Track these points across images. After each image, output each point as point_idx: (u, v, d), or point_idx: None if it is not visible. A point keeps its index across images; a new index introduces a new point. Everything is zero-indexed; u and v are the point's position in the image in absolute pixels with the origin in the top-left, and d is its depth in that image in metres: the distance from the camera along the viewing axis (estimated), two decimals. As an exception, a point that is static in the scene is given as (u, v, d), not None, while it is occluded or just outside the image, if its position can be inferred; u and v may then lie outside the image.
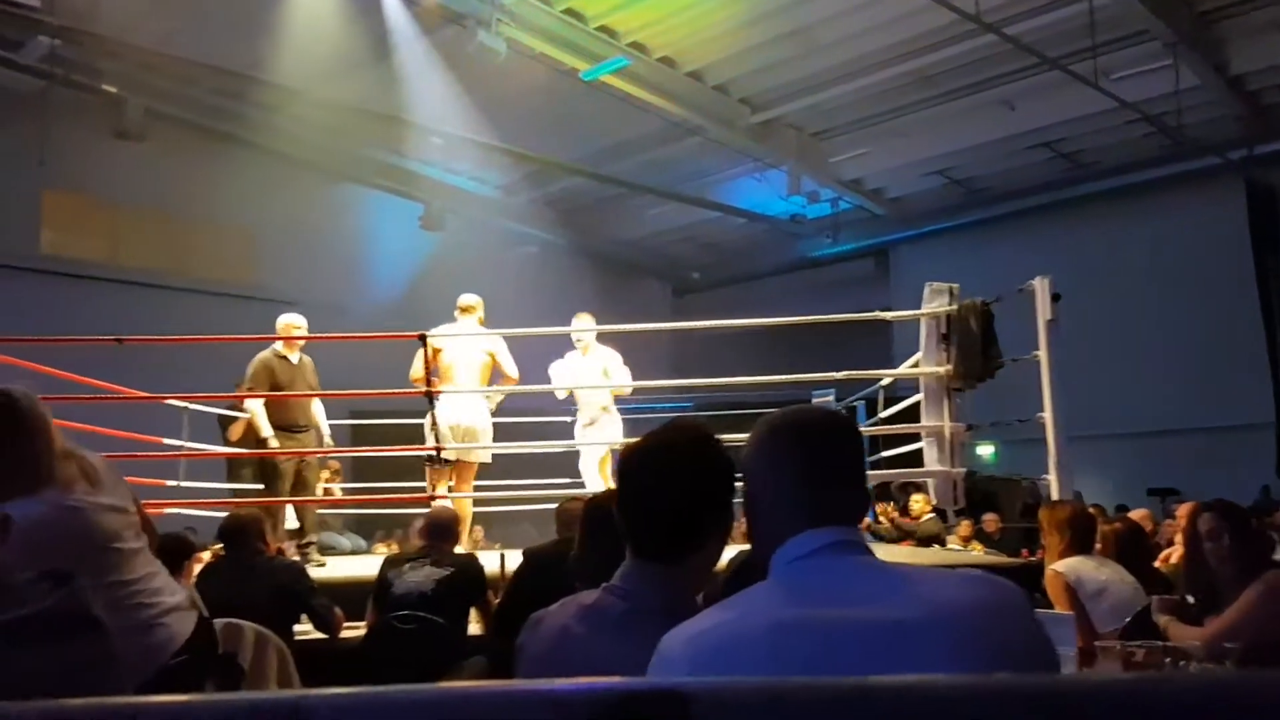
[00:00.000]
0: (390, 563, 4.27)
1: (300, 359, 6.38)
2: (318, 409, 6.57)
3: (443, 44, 10.78)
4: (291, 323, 6.41)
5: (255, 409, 6.18)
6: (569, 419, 7.24)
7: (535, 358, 6.80)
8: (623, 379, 6.64)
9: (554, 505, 4.79)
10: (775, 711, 0.40)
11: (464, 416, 6.19)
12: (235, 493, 7.73)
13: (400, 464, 7.48)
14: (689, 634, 1.11)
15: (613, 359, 6.64)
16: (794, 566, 1.13)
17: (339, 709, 0.39)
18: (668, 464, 1.46)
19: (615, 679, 0.41)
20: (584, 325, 6.68)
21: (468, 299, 6.52)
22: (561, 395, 6.90)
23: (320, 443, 6.62)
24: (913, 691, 0.40)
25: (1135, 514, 6.36)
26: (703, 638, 1.09)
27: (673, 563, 1.45)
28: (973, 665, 0.93)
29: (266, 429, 6.09)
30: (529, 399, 8.12)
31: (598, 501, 2.53)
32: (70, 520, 2.16)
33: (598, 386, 6.59)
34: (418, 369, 6.03)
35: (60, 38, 9.97)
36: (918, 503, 9.12)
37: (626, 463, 1.52)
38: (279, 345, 6.29)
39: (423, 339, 5.91)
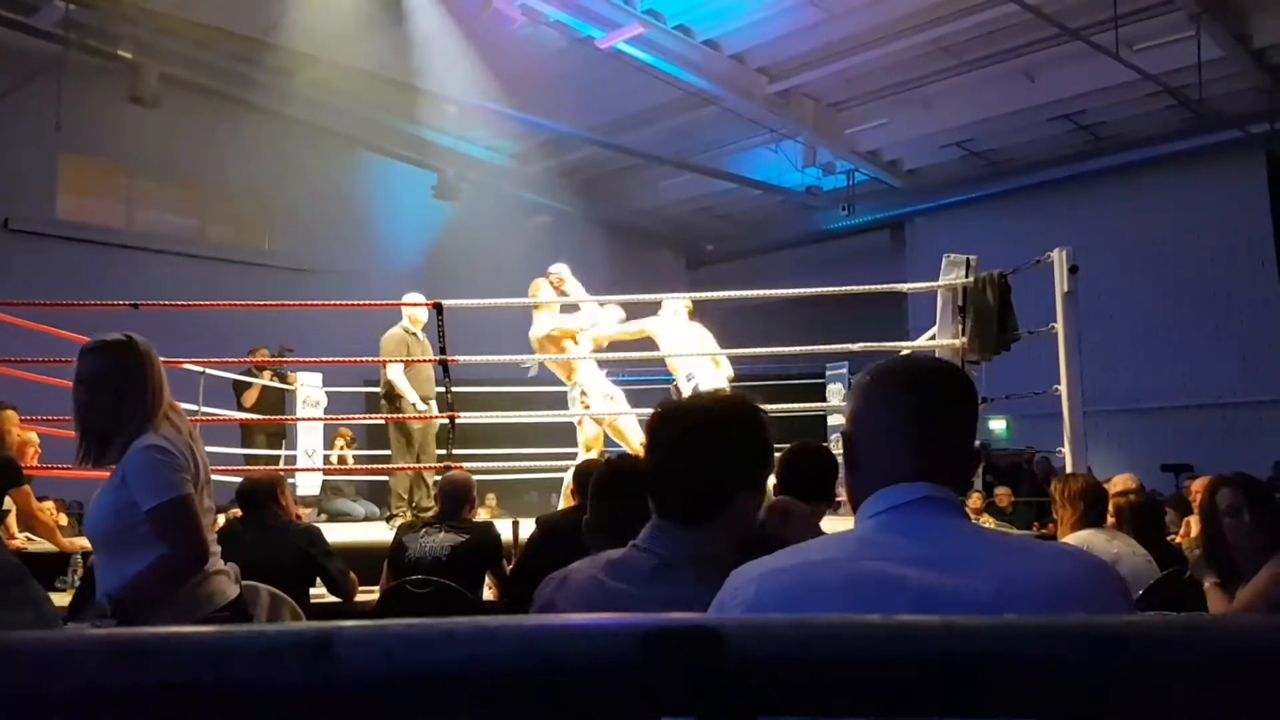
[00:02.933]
0: (406, 528, 4.29)
1: (423, 336, 6.71)
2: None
3: (457, 10, 10.71)
4: (414, 301, 6.71)
5: (397, 377, 6.51)
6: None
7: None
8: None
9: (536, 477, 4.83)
10: (807, 648, 0.40)
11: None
12: (249, 458, 7.80)
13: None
14: (762, 570, 1.07)
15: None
16: (879, 519, 1.08)
17: (371, 640, 0.39)
18: (703, 430, 1.47)
19: (645, 615, 0.41)
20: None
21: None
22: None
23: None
24: (949, 630, 0.40)
25: (1119, 480, 6.20)
26: (776, 576, 1.05)
27: (696, 526, 1.45)
28: None
29: (411, 394, 6.45)
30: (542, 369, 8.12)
31: (604, 466, 2.56)
32: (184, 453, 2.34)
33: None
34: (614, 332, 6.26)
35: (76, 2, 9.94)
36: None
37: (662, 426, 1.52)
38: (407, 322, 6.65)
39: (438, 307, 5.89)
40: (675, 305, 6.52)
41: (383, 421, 6.96)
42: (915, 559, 1.00)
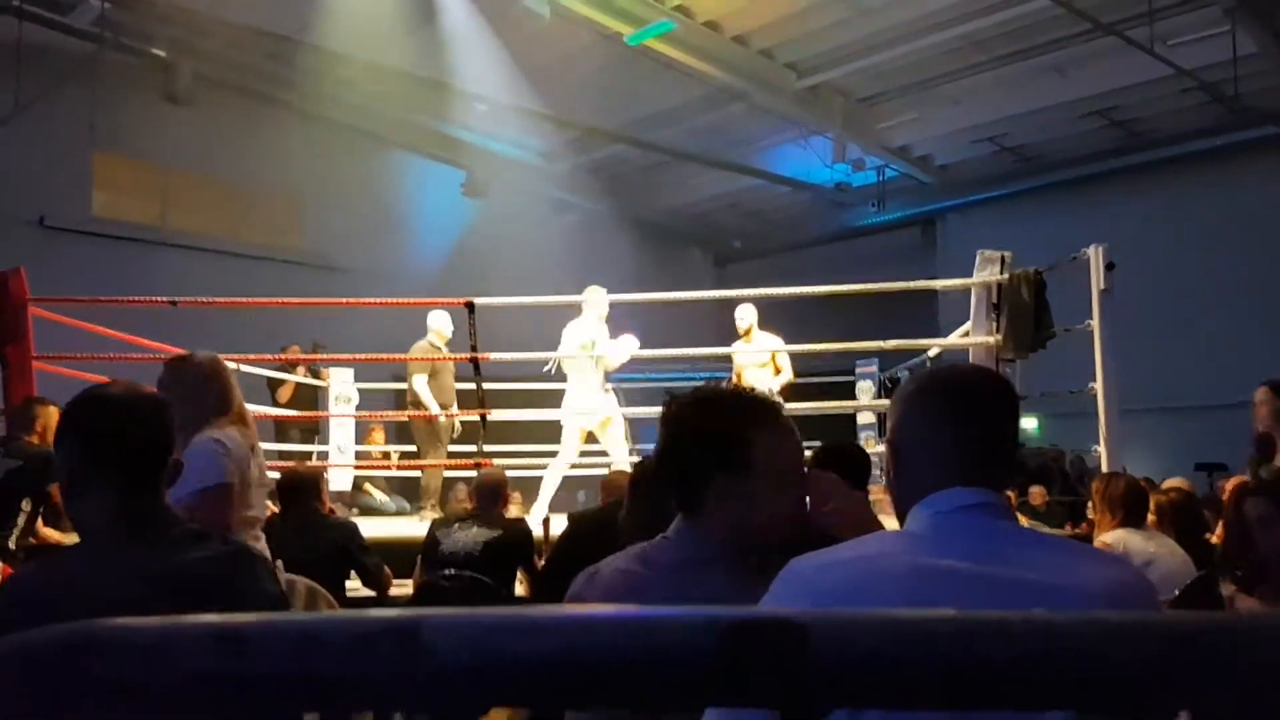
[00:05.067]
0: (439, 523, 4.33)
1: (446, 350, 7.23)
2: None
3: (487, 8, 10.74)
4: (439, 320, 7.23)
5: (421, 389, 6.98)
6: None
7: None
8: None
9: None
10: (890, 642, 0.40)
11: None
12: (282, 454, 7.87)
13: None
14: (822, 561, 1.12)
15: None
16: (937, 519, 1.13)
17: (459, 629, 0.40)
18: (670, 429, 1.56)
19: (730, 607, 0.42)
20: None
21: None
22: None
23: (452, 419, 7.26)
24: (1043, 626, 0.40)
25: (1171, 483, 6.22)
26: (836, 569, 1.10)
27: (690, 514, 1.52)
28: None
29: (434, 407, 6.92)
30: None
31: (643, 468, 2.58)
32: (242, 455, 2.60)
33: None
34: None
35: (111, 1, 10.05)
36: None
37: (661, 423, 1.61)
38: (432, 336, 7.19)
39: (469, 305, 5.94)
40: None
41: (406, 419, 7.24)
42: (971, 555, 1.04)
